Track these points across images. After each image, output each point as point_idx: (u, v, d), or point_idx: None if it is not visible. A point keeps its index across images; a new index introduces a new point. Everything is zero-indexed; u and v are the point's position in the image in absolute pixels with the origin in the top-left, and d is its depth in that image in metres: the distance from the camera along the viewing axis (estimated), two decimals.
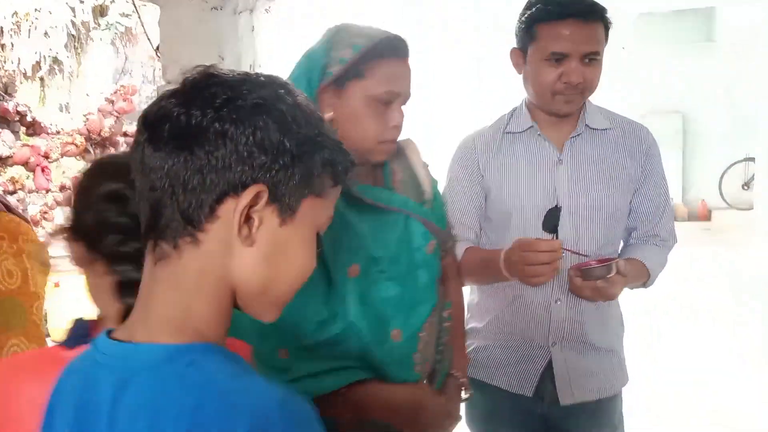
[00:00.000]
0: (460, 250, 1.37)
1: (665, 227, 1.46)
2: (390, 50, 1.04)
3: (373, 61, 1.02)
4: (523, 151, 1.40)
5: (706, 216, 7.86)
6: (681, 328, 4.20)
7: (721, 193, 7.77)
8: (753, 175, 7.17)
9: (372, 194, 1.09)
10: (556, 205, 1.33)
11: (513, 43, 1.39)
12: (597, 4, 1.29)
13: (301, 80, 1.04)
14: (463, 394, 1.24)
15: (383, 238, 1.08)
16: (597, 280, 1.27)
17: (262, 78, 0.61)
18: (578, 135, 1.39)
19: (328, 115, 1.01)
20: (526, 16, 1.33)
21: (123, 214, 0.75)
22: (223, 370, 0.58)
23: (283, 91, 0.61)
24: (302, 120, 0.60)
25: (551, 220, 1.31)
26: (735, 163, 7.77)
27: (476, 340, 1.47)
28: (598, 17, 1.28)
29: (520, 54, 1.37)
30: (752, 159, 7.20)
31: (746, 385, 3.38)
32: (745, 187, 7.62)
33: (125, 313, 0.65)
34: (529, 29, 1.32)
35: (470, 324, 1.49)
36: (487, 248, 1.42)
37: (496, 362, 1.44)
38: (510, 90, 1.69)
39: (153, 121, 0.59)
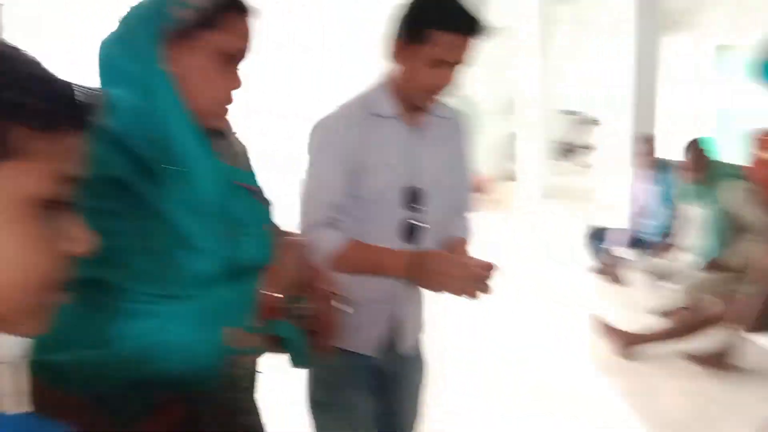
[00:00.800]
0: (331, 237, 1.44)
1: (470, 200, 1.68)
2: (239, 2, 0.96)
3: (225, 11, 0.93)
4: (389, 134, 1.48)
5: (483, 188, 8.55)
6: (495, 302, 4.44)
7: (491, 166, 8.52)
8: (516, 149, 7.97)
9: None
10: (417, 186, 1.48)
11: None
12: (485, 24, 1.38)
13: (137, 27, 0.93)
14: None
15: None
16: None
17: None
18: (431, 123, 1.53)
19: (172, 69, 0.92)
20: (419, 15, 1.37)
21: None
22: None
23: None
24: None
25: (412, 199, 1.48)
26: (502, 137, 8.60)
27: None
28: (482, 34, 1.38)
29: (402, 46, 1.40)
30: (514, 134, 7.99)
31: (560, 358, 3.63)
32: (511, 160, 8.43)
33: None
34: (420, 30, 1.36)
35: None
36: (348, 226, 1.47)
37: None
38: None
39: None
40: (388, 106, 1.48)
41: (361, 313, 1.49)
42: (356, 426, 1.57)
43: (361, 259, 1.46)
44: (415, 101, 1.46)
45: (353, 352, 1.52)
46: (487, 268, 1.38)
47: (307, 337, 1.12)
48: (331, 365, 1.50)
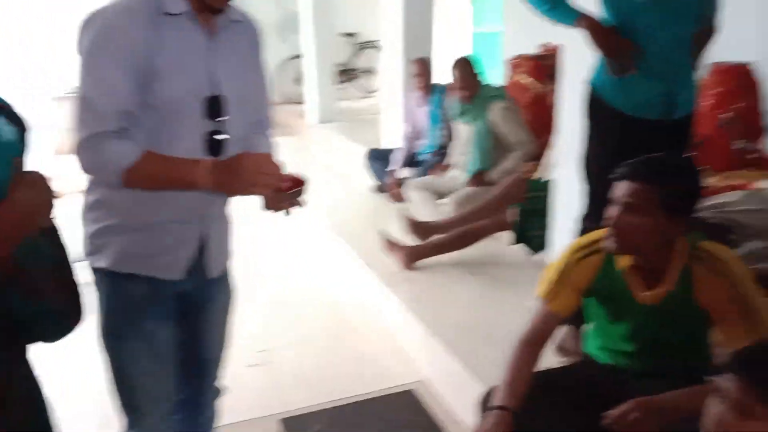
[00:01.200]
0: (121, 148, 1.29)
1: (270, 114, 1.62)
2: None
3: None
4: (183, 36, 1.34)
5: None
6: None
7: (277, 88, 8.32)
8: (303, 72, 7.85)
9: None
10: (217, 94, 1.37)
11: None
12: None
13: None
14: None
15: None
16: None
17: None
18: (225, 26, 1.42)
19: None
20: None
21: None
22: None
23: None
24: None
25: (213, 108, 1.37)
26: (287, 59, 8.38)
27: (113, 233, 1.40)
28: None
29: None
30: (299, 56, 7.83)
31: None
32: (297, 83, 8.29)
33: None
34: None
35: (103, 221, 1.40)
36: (142, 139, 1.32)
37: (142, 251, 1.41)
38: None
39: None
40: (175, 2, 1.33)
41: (164, 234, 1.41)
42: (155, 356, 1.49)
43: (160, 171, 1.32)
44: (213, 3, 1.35)
45: (153, 278, 1.42)
46: (298, 182, 1.37)
47: (48, 304, 0.95)
48: (126, 292, 1.42)
